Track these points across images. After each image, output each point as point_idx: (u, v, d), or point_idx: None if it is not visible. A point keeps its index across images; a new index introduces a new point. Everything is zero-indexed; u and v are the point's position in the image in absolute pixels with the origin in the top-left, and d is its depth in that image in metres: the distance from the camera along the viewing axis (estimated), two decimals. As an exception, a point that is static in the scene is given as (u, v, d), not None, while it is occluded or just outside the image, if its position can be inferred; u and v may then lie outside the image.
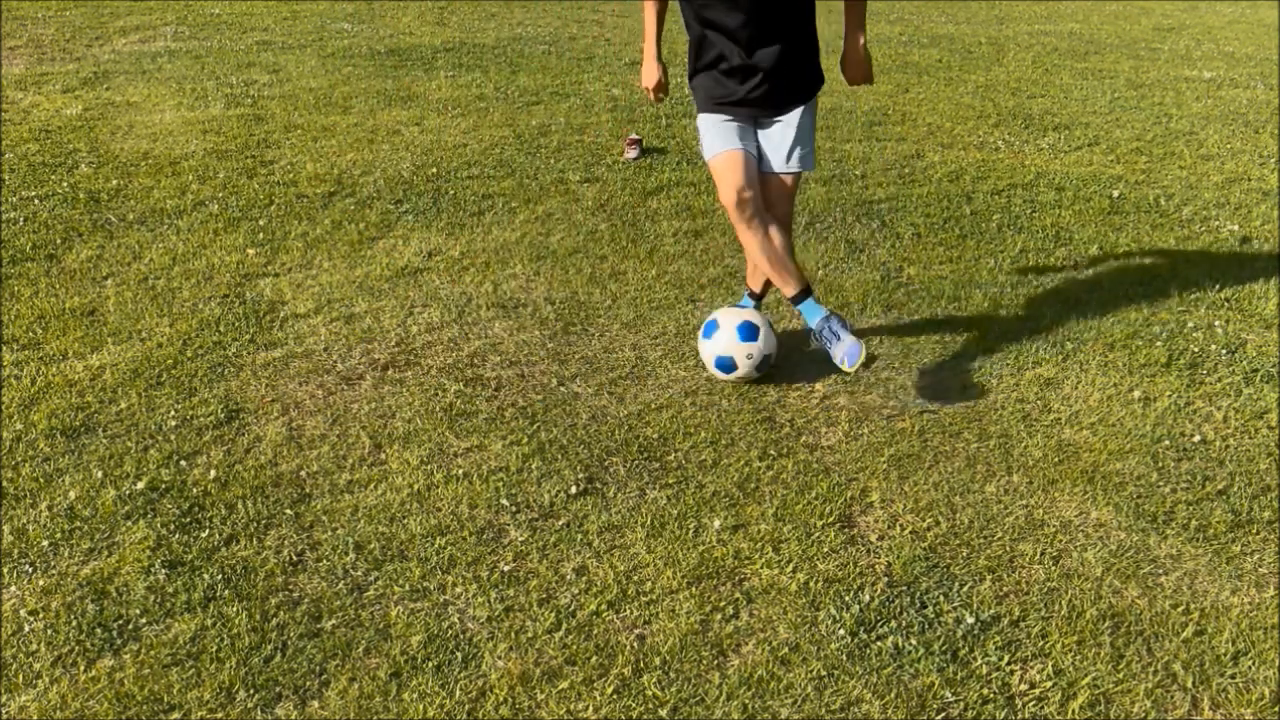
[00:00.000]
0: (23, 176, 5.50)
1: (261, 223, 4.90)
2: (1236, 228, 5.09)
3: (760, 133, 3.45)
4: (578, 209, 5.18)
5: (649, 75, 3.65)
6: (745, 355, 3.45)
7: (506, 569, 2.64)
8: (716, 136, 3.41)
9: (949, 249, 4.76)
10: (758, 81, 3.34)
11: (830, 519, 2.85)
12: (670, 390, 3.51)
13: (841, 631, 2.45)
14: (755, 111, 3.41)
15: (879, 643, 2.42)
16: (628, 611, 2.51)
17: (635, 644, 2.41)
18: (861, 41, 3.51)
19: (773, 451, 3.17)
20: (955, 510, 2.91)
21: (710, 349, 3.51)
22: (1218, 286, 4.38)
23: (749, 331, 3.45)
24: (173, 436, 3.18)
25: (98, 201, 5.15)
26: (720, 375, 3.52)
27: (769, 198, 3.46)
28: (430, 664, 2.34)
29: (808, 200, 5.37)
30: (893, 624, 2.48)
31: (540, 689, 2.28)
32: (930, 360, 3.73)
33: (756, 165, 3.41)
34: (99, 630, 2.41)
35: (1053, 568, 2.69)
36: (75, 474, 2.98)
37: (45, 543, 2.70)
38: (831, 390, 3.52)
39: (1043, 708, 2.27)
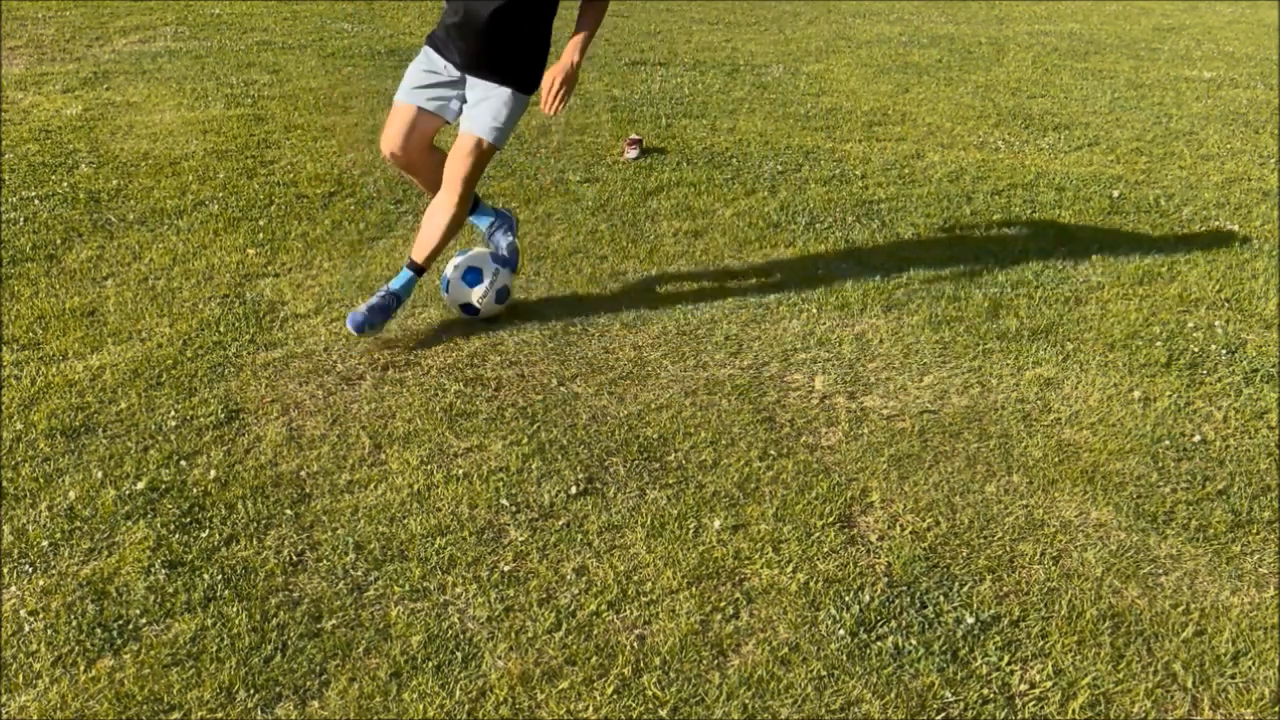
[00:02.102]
0: (23, 176, 5.50)
1: (261, 223, 4.90)
2: (1236, 228, 5.09)
3: (467, 90, 3.65)
4: (578, 209, 5.18)
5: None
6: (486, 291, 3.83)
7: (506, 569, 2.64)
8: (404, 80, 3.72)
9: (949, 249, 4.76)
10: (472, 42, 3.55)
11: (830, 519, 2.85)
12: (670, 390, 3.51)
13: (841, 631, 2.45)
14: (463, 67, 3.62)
15: (879, 643, 2.42)
16: (628, 611, 2.51)
17: (635, 644, 2.41)
18: (572, 60, 3.51)
19: (773, 451, 3.17)
20: (955, 510, 2.91)
21: (484, 289, 3.82)
22: (1218, 286, 4.38)
23: (476, 276, 3.82)
24: (173, 436, 3.18)
25: (98, 201, 5.15)
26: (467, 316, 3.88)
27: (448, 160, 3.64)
28: (430, 664, 2.34)
29: (807, 200, 5.37)
30: (893, 624, 2.48)
31: (540, 689, 2.28)
32: (930, 360, 3.74)
33: (428, 125, 3.71)
34: (99, 630, 2.41)
35: (1053, 568, 2.69)
36: (75, 474, 2.98)
37: (45, 543, 2.70)
38: (831, 390, 3.53)
39: (1043, 708, 2.27)
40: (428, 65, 3.70)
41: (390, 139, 3.74)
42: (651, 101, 7.45)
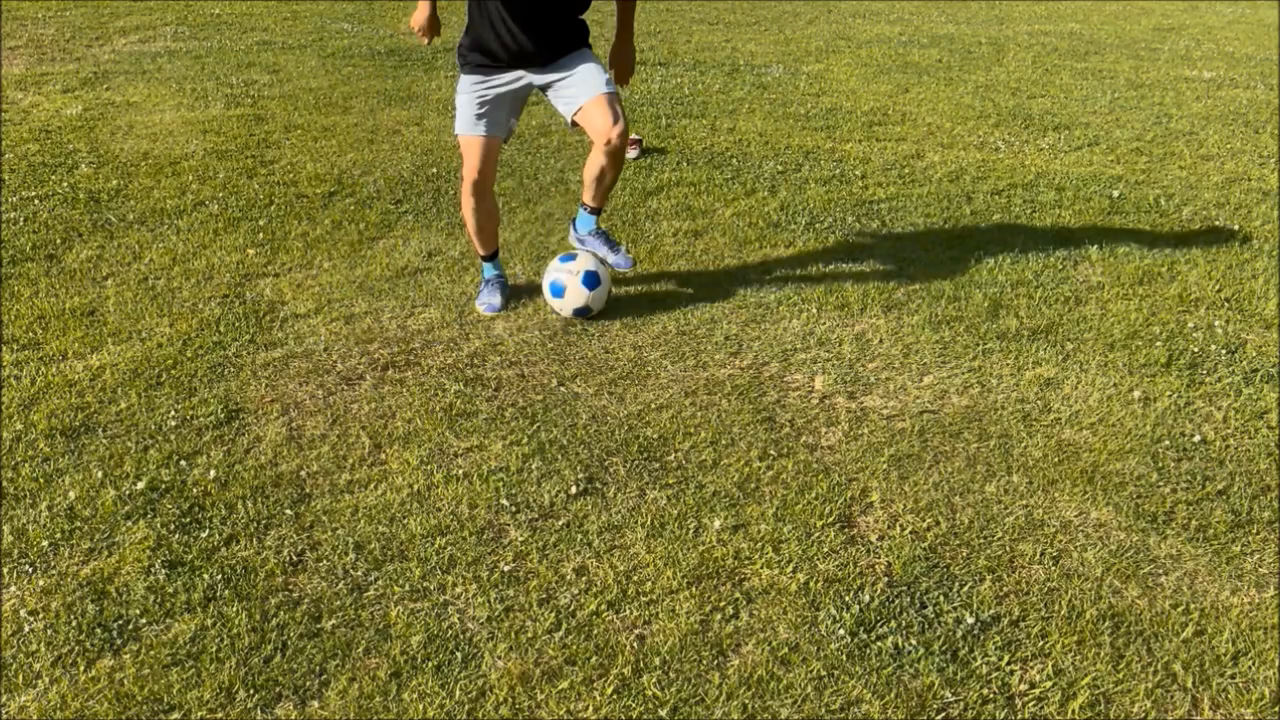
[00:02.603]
0: (23, 176, 5.50)
1: (261, 223, 4.90)
2: (1236, 228, 5.09)
3: (547, 92, 3.90)
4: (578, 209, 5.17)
5: (420, 21, 3.92)
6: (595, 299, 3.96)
7: (506, 569, 2.64)
8: (469, 117, 3.84)
9: (949, 249, 4.76)
10: (530, 44, 3.76)
11: (830, 519, 2.85)
12: (670, 390, 3.51)
13: (841, 631, 2.45)
14: (527, 68, 3.83)
15: (879, 643, 2.42)
16: (628, 611, 2.51)
17: (635, 644, 2.41)
18: (631, 42, 4.06)
19: (773, 451, 3.17)
20: (955, 510, 2.91)
21: (571, 301, 3.94)
22: (1218, 286, 4.38)
23: (591, 279, 3.93)
24: (173, 436, 3.18)
25: (98, 201, 5.15)
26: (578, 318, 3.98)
27: (598, 122, 3.80)
28: (430, 664, 2.34)
29: (807, 200, 5.37)
30: (893, 624, 2.48)
31: (540, 689, 2.28)
32: (930, 360, 3.74)
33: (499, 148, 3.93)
34: (99, 630, 2.41)
35: (1053, 568, 2.69)
36: (75, 474, 2.98)
37: (45, 543, 2.70)
38: (831, 390, 3.53)
39: (1043, 708, 2.27)
40: (502, 88, 3.83)
41: (483, 171, 3.89)
42: (651, 101, 7.45)
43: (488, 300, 4.06)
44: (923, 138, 6.70)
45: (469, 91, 3.84)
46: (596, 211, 4.14)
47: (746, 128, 6.79)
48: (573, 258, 3.97)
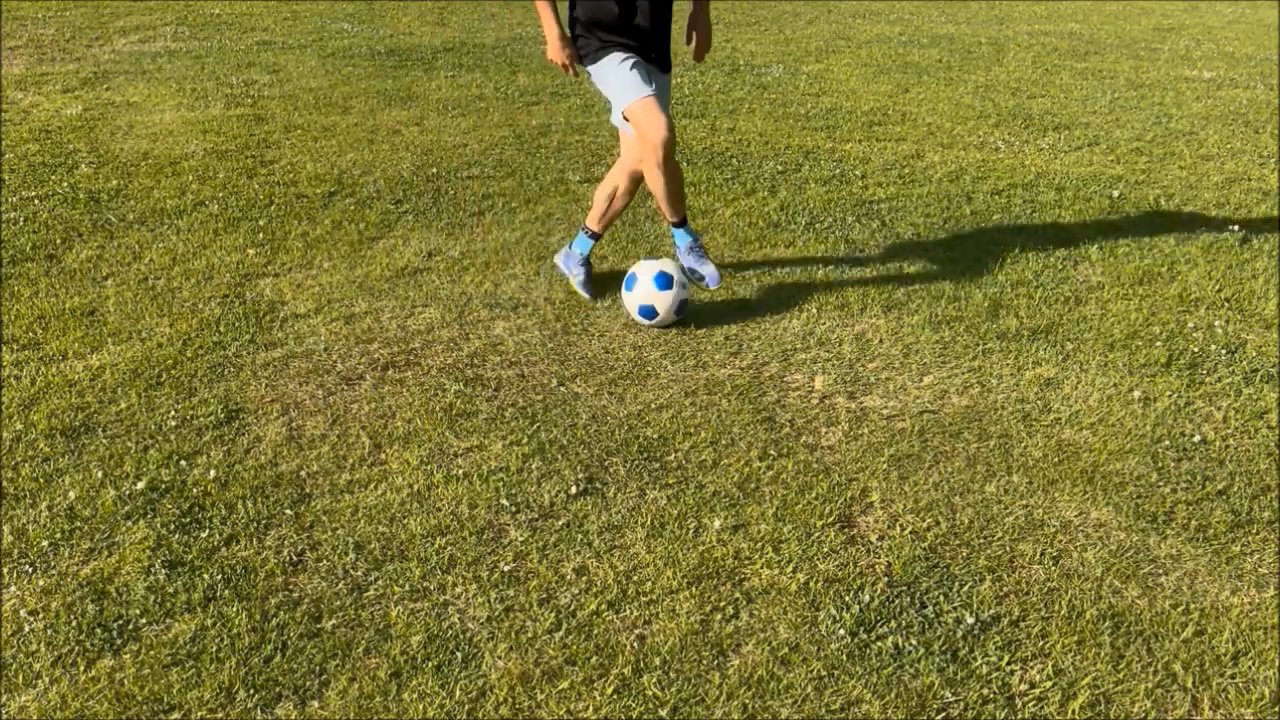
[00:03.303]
0: (23, 176, 5.50)
1: (261, 223, 4.90)
2: (1236, 228, 5.09)
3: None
4: (578, 209, 5.18)
5: (557, 49, 3.98)
6: (665, 303, 3.85)
7: (506, 569, 2.64)
8: (632, 82, 3.82)
9: (949, 249, 4.76)
10: (653, 44, 3.94)
11: (830, 519, 2.85)
12: (670, 390, 3.51)
13: (841, 631, 2.45)
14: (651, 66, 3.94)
15: (879, 643, 2.42)
16: (628, 611, 2.51)
17: (635, 644, 2.41)
18: (708, 12, 4.20)
19: (773, 451, 3.17)
20: (955, 510, 2.91)
21: (633, 299, 3.89)
22: (1218, 286, 4.38)
23: (665, 281, 3.84)
24: (173, 436, 3.18)
25: (98, 201, 5.15)
26: (644, 322, 3.91)
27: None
28: (430, 664, 2.34)
29: (807, 200, 5.37)
30: (893, 624, 2.48)
31: (540, 689, 2.28)
32: (930, 360, 3.74)
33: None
34: (99, 630, 2.41)
35: (1053, 568, 2.69)
36: (75, 474, 2.98)
37: (45, 543, 2.70)
38: (831, 390, 3.53)
39: (1043, 708, 2.27)
40: (645, 67, 3.89)
41: (670, 126, 3.79)
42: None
43: (712, 272, 3.98)
44: (923, 138, 6.70)
45: (621, 64, 3.82)
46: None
47: (746, 128, 6.79)
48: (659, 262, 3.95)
